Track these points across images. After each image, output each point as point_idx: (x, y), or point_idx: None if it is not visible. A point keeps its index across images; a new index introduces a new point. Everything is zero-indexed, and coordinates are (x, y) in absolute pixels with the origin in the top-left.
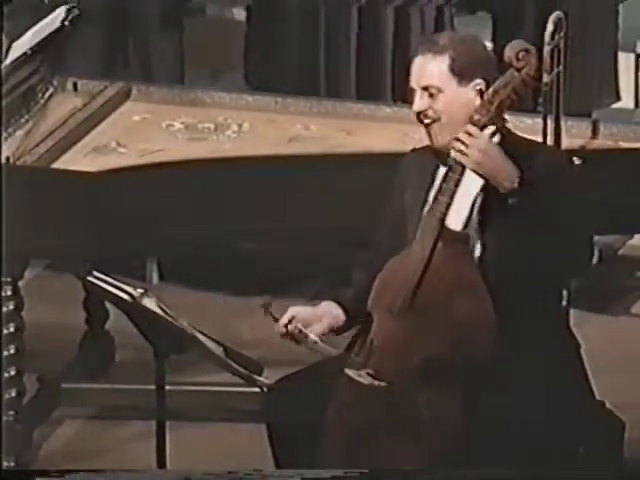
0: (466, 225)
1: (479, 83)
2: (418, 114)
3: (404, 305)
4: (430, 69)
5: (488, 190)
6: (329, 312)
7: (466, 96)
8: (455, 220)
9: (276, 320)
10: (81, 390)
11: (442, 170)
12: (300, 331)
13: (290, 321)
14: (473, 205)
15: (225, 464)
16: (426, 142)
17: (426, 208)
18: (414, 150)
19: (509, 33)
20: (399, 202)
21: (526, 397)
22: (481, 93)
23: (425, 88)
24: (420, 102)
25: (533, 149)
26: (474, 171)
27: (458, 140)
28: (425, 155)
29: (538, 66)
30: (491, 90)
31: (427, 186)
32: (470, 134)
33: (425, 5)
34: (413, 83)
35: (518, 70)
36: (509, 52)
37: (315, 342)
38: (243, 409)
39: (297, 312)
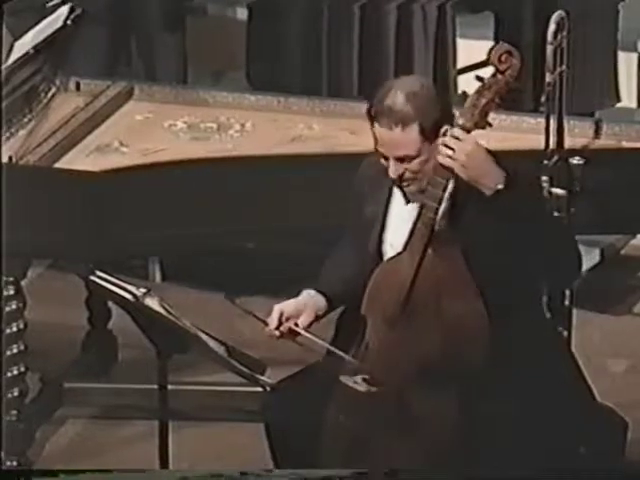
0: (443, 224)
1: (447, 129)
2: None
3: (397, 310)
4: (402, 142)
5: (463, 191)
6: (311, 300)
7: (436, 147)
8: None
9: (264, 322)
10: (84, 390)
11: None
12: (292, 331)
13: (280, 320)
14: (451, 205)
15: (228, 464)
16: None
17: (405, 213)
18: (369, 160)
19: (511, 32)
20: (359, 214)
21: (523, 397)
22: (465, 96)
23: (400, 159)
24: (395, 169)
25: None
26: (460, 173)
27: (445, 145)
28: (379, 165)
29: (521, 68)
30: (475, 93)
31: (385, 197)
32: (457, 138)
33: (427, 4)
34: (384, 152)
35: (502, 73)
36: (492, 55)
37: (308, 338)
38: (246, 409)
39: (283, 308)
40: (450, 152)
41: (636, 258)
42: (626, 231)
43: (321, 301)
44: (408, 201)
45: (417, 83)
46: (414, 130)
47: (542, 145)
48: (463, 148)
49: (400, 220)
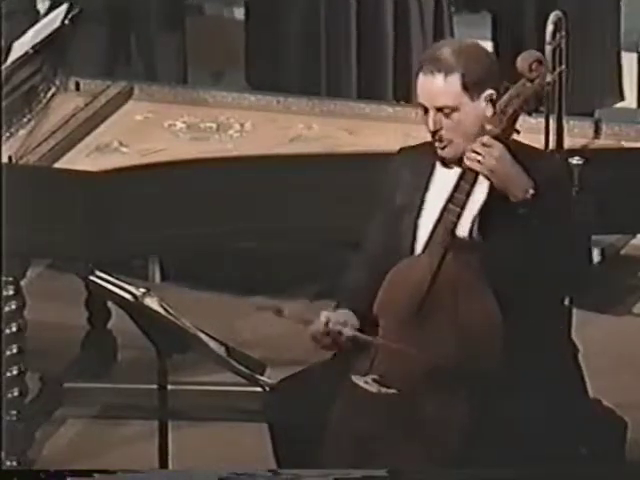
0: (471, 232)
1: (490, 94)
2: (434, 133)
3: (412, 312)
4: (442, 90)
5: (494, 198)
6: (350, 317)
7: (479, 109)
8: (461, 227)
9: (306, 324)
10: (83, 390)
11: (440, 171)
12: (339, 332)
13: (327, 324)
14: (478, 212)
15: (228, 464)
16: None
17: (429, 213)
18: (405, 148)
19: (509, 32)
20: (391, 202)
21: (530, 398)
22: (493, 104)
23: (439, 109)
24: (435, 121)
25: (535, 157)
26: (488, 179)
27: (473, 151)
28: (420, 154)
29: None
30: (504, 101)
31: (423, 187)
32: (485, 144)
33: (424, 3)
34: (424, 102)
35: (531, 81)
36: (522, 63)
37: (354, 336)
38: (246, 409)
39: (330, 315)
40: (479, 157)
41: (636, 258)
42: (626, 231)
43: (356, 322)
44: (449, 168)
45: (467, 42)
46: (456, 79)
47: (542, 145)
48: (491, 153)
49: (434, 212)
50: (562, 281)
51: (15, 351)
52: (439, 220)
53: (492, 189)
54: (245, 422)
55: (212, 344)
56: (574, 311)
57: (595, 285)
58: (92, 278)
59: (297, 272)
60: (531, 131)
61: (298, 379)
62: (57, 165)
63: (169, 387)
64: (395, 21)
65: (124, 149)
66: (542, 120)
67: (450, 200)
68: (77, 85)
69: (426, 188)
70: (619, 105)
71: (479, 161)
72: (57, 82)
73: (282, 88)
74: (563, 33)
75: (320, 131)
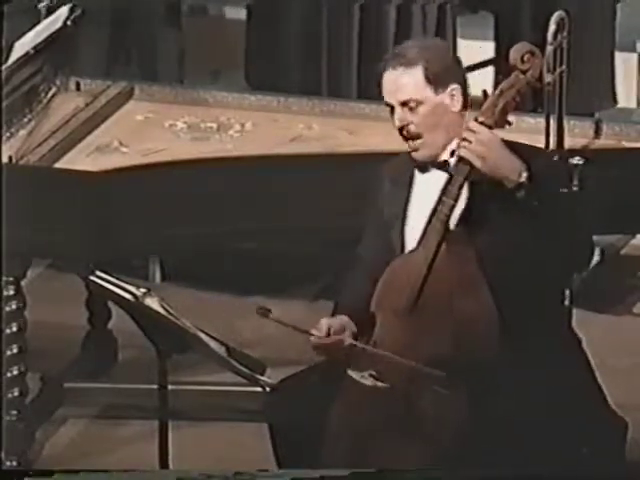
0: (459, 223)
1: (455, 88)
2: (400, 129)
3: (408, 306)
4: (405, 83)
5: (478, 191)
6: (347, 323)
7: (443, 103)
8: (454, 220)
9: (284, 324)
10: (84, 390)
11: (419, 177)
12: (339, 340)
13: (328, 332)
14: (469, 203)
15: (228, 464)
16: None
17: (414, 221)
18: (388, 162)
19: (511, 32)
20: (379, 213)
21: (529, 397)
22: (485, 95)
23: (404, 103)
24: (401, 117)
25: (526, 153)
26: (480, 167)
27: (464, 139)
28: (399, 164)
29: (542, 68)
30: (496, 92)
31: (405, 196)
32: (471, 129)
33: (427, 4)
34: (389, 99)
35: (523, 72)
36: (514, 54)
37: (354, 345)
38: (246, 409)
39: (330, 323)
40: (466, 144)
41: (636, 258)
42: (626, 231)
43: (352, 325)
44: (423, 172)
45: (430, 39)
46: (418, 72)
47: (542, 145)
48: (480, 140)
49: (420, 216)
50: (556, 271)
51: (15, 351)
52: (433, 214)
53: (472, 183)
54: (245, 422)
55: (212, 344)
56: (574, 311)
57: (594, 280)
58: (92, 278)
59: (297, 272)
60: (531, 131)
61: (298, 379)
62: (57, 165)
63: (169, 387)
64: (397, 21)
65: (124, 149)
66: (542, 120)
67: (443, 193)
68: (77, 85)
69: (407, 198)
70: (620, 105)
71: (467, 148)
72: (58, 82)
73: (281, 88)
74: (565, 34)
75: (320, 131)
